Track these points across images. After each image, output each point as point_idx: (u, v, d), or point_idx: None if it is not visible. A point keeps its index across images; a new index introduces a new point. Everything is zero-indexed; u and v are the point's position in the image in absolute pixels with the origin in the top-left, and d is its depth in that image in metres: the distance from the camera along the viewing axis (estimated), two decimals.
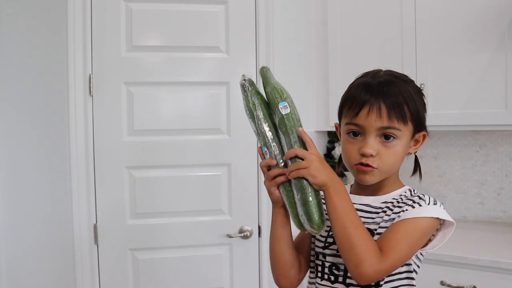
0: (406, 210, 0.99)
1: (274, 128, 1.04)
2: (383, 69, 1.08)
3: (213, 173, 2.09)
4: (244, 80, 1.09)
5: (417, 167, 1.14)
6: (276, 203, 1.04)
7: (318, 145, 2.42)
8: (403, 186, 1.10)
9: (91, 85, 1.98)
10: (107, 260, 2.03)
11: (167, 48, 2.05)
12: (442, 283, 1.80)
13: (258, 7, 2.09)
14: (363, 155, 0.99)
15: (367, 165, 0.99)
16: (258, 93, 1.07)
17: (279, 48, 2.13)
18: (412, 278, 1.05)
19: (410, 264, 1.04)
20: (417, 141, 1.06)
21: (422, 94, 1.06)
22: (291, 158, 0.97)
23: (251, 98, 1.06)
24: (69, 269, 1.95)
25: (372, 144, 0.98)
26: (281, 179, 0.99)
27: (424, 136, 1.06)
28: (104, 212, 2.02)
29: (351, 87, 1.05)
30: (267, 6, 2.10)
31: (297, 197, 0.98)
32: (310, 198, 0.95)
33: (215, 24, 2.07)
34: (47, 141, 1.86)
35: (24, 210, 1.70)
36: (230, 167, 2.09)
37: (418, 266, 1.07)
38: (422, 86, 2.09)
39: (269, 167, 1.01)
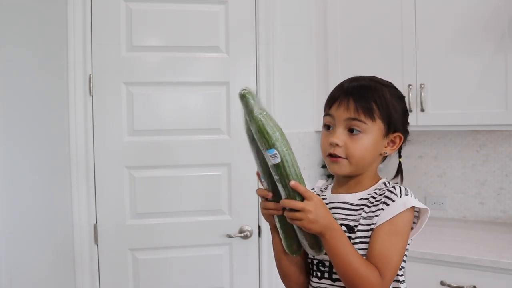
0: (382, 209, 1.03)
1: None
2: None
3: (213, 173, 2.09)
4: (244, 95, 0.95)
5: (399, 172, 1.18)
6: (272, 225, 1.10)
7: (318, 145, 2.42)
8: (379, 179, 1.13)
9: (91, 85, 1.98)
10: (107, 260, 2.03)
11: (167, 48, 2.05)
12: (442, 283, 1.81)
13: (258, 7, 2.09)
14: (331, 144, 1.06)
15: (336, 156, 1.05)
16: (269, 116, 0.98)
17: (279, 48, 2.13)
18: (396, 274, 1.07)
19: None
20: (393, 142, 1.10)
21: (402, 101, 1.11)
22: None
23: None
24: (69, 269, 1.95)
25: (339, 135, 1.05)
26: (274, 212, 1.04)
27: (400, 138, 1.10)
28: (104, 212, 2.02)
29: (334, 87, 1.12)
30: (267, 6, 2.10)
31: (295, 227, 1.02)
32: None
33: (215, 24, 2.07)
34: (47, 141, 1.86)
35: (24, 210, 1.70)
36: (230, 167, 2.09)
37: (404, 261, 1.10)
38: (422, 86, 2.09)
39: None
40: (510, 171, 2.27)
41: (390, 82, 1.12)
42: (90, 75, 1.98)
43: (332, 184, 1.19)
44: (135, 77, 2.03)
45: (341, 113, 1.05)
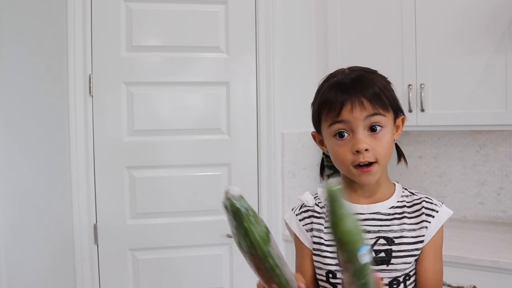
0: (428, 222, 1.01)
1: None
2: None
3: (213, 173, 2.09)
4: (335, 192, 0.77)
5: (400, 154, 1.11)
6: None
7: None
8: (394, 184, 1.08)
9: (91, 85, 1.98)
10: (107, 260, 2.03)
11: (167, 48, 2.05)
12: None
13: (258, 7, 2.10)
14: (358, 151, 0.94)
15: (367, 165, 0.95)
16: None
17: (279, 48, 2.13)
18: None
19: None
20: (398, 127, 1.04)
21: (390, 82, 1.05)
22: None
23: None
24: (69, 269, 1.95)
25: (363, 138, 0.95)
26: None
27: (403, 120, 1.05)
28: (104, 212, 2.02)
29: (323, 91, 1.01)
30: (267, 6, 2.10)
31: None
32: None
33: (215, 24, 2.07)
34: (47, 141, 1.86)
35: (24, 210, 1.71)
36: (230, 167, 2.09)
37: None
38: (422, 86, 2.09)
39: None
40: (510, 171, 2.27)
41: (370, 68, 1.06)
42: (90, 75, 1.98)
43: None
44: (135, 77, 2.03)
45: (358, 113, 0.94)
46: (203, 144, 2.07)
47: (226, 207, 0.80)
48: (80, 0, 1.95)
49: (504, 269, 1.70)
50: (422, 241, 0.99)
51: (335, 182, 0.77)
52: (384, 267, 0.98)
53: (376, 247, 0.98)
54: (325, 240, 1.03)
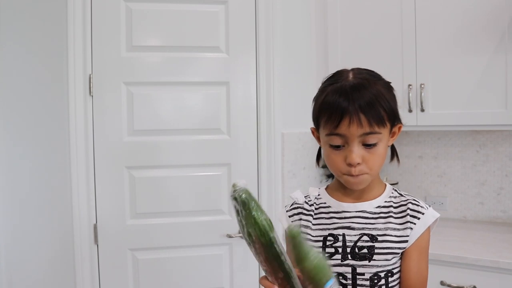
0: (413, 223, 1.04)
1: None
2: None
3: (213, 173, 2.09)
4: (296, 235, 0.86)
5: (394, 152, 1.15)
6: None
7: (318, 145, 2.43)
8: (385, 185, 1.12)
9: (91, 85, 1.98)
10: (107, 260, 2.03)
11: (167, 48, 2.05)
12: (442, 283, 1.81)
13: (258, 7, 2.10)
14: (350, 165, 0.99)
15: (358, 175, 1.01)
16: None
17: (279, 48, 2.13)
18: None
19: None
20: (394, 133, 1.07)
21: (392, 88, 1.06)
22: None
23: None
24: (69, 269, 1.95)
25: (357, 152, 0.99)
26: None
27: (399, 128, 1.07)
28: (104, 212, 2.02)
29: (326, 94, 1.01)
30: (267, 6, 2.10)
31: None
32: None
33: (215, 24, 2.07)
34: (47, 141, 1.86)
35: (24, 210, 1.70)
36: (230, 167, 2.09)
37: None
38: (422, 86, 2.09)
39: None
40: (510, 171, 2.27)
41: (372, 71, 1.06)
42: (90, 75, 1.98)
43: (327, 188, 1.14)
44: (135, 77, 2.03)
45: (355, 130, 0.97)
46: (203, 144, 2.07)
47: (235, 199, 0.86)
48: (80, 0, 1.95)
49: (504, 269, 1.70)
50: (406, 241, 1.03)
51: (294, 226, 0.86)
52: (366, 262, 1.02)
53: (359, 243, 1.03)
54: (312, 236, 1.07)
